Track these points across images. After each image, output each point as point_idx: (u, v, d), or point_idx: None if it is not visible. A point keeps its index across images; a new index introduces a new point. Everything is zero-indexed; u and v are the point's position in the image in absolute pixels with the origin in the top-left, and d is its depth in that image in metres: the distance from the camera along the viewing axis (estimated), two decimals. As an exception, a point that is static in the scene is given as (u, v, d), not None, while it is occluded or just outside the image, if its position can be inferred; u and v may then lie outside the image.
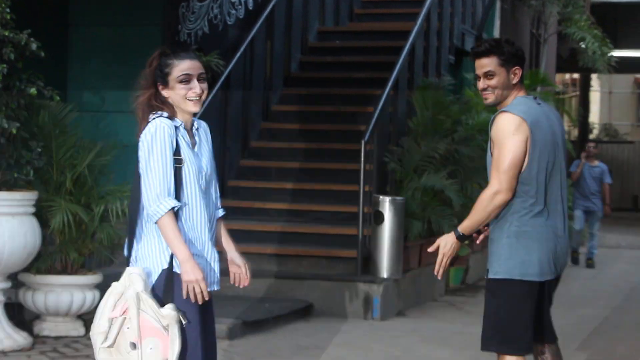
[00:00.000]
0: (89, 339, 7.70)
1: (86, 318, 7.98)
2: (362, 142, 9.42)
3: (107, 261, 8.11)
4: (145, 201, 3.99)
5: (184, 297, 3.95)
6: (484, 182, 11.06)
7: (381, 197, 9.43)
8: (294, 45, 12.59)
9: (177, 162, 4.02)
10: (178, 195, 4.01)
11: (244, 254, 4.43)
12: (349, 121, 11.35)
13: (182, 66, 4.11)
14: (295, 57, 12.66)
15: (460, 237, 4.77)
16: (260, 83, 11.61)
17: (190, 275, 3.94)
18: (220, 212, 4.30)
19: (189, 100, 4.10)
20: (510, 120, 4.53)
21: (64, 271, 7.77)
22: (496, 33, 16.07)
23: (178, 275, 3.98)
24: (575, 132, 34.04)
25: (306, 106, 11.86)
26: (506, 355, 4.61)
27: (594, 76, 34.82)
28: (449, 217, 10.22)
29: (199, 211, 4.09)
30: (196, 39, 10.49)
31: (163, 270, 4.02)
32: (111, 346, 3.96)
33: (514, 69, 4.63)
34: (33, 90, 7.29)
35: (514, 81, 4.64)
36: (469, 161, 10.94)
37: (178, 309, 3.92)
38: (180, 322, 3.91)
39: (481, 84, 4.66)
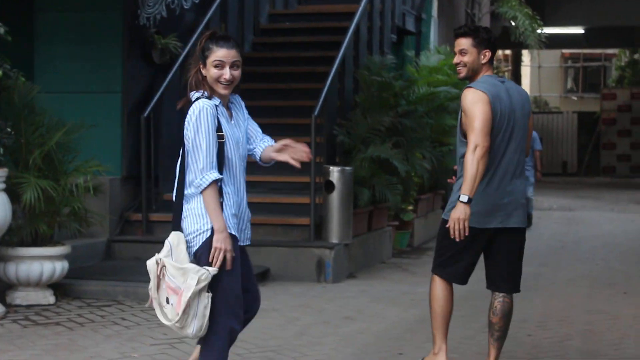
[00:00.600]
0: (59, 306, 7.65)
1: (56, 287, 7.91)
2: (313, 116, 9.38)
3: (75, 233, 8.02)
4: (192, 174, 4.29)
5: (209, 260, 4.24)
6: (425, 152, 11.26)
7: (331, 167, 9.43)
8: (246, 28, 12.50)
9: (220, 137, 4.33)
10: (222, 166, 4.33)
11: None
12: (299, 97, 11.27)
13: (219, 53, 4.38)
14: (248, 39, 12.57)
15: (468, 201, 4.99)
16: None
17: (221, 243, 4.25)
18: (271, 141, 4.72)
19: (220, 83, 4.37)
20: (475, 93, 5.11)
21: (34, 243, 7.68)
22: (434, 13, 16.07)
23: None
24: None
25: (259, 84, 11.78)
26: (435, 275, 5.38)
27: (524, 52, 35.03)
28: (394, 186, 10.22)
29: (240, 176, 4.46)
30: (155, 22, 10.36)
31: (211, 231, 4.28)
32: (155, 299, 4.36)
33: (484, 50, 5.23)
34: (0, 73, 7.16)
35: (483, 61, 5.24)
36: (412, 132, 10.97)
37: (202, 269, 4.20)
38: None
39: (456, 59, 5.28)
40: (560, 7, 26.33)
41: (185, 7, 11.05)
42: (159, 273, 4.32)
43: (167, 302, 4.33)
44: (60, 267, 7.71)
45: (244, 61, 12.84)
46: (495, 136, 5.11)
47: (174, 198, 4.42)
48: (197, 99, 4.35)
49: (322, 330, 6.96)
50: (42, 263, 7.60)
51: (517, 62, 34.02)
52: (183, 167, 4.36)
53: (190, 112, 4.32)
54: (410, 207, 11.75)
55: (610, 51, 38.98)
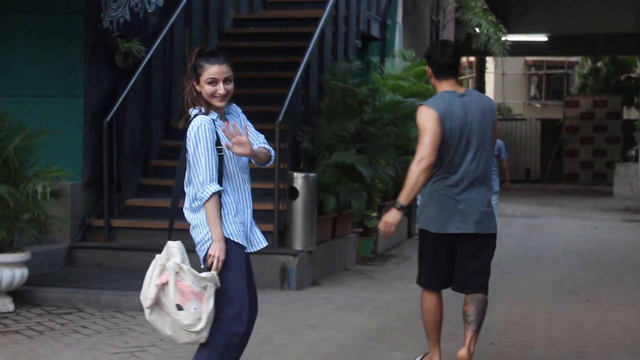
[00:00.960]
0: (18, 314, 7.54)
1: (15, 294, 7.79)
2: (277, 122, 9.34)
3: (34, 240, 7.91)
4: (195, 188, 4.57)
5: (208, 265, 4.52)
6: (389, 159, 11.24)
7: (295, 173, 9.39)
8: (211, 32, 12.41)
9: (219, 150, 4.56)
10: (222, 178, 4.58)
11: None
12: (263, 103, 11.18)
13: (211, 70, 4.61)
14: (212, 43, 12.45)
15: (401, 208, 5.45)
16: (180, 67, 11.36)
17: (215, 252, 4.53)
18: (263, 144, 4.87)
19: (215, 97, 4.61)
20: (426, 110, 5.51)
21: (-7, 250, 7.56)
22: (399, 19, 16.08)
23: (230, 242, 4.58)
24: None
25: None
26: (423, 288, 5.72)
27: (488, 59, 35.20)
28: (358, 192, 10.20)
29: (243, 185, 4.76)
30: (118, 26, 10.27)
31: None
32: (152, 306, 4.45)
33: (427, 68, 5.72)
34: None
35: (431, 80, 5.71)
36: (376, 139, 10.94)
37: (215, 274, 4.48)
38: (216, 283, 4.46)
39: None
40: (524, 15, 26.50)
41: (149, 10, 10.97)
42: (173, 279, 4.43)
43: (179, 308, 4.44)
44: (19, 274, 7.61)
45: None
46: (448, 149, 5.48)
47: (171, 207, 4.70)
48: (196, 115, 4.59)
49: (285, 338, 6.91)
50: (1, 270, 7.49)
51: (481, 69, 34.19)
52: (181, 181, 4.64)
53: (189, 129, 4.57)
54: (375, 214, 11.73)
55: (573, 59, 39.26)
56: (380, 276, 10.24)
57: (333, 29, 11.85)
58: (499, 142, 13.97)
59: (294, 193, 9.30)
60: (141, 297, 4.49)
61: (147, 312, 4.51)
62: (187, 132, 4.57)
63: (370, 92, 11.33)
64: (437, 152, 5.43)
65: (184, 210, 4.67)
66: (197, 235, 4.62)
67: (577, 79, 38.39)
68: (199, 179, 4.54)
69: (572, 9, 26.24)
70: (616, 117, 31.69)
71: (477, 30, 18.12)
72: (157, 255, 4.50)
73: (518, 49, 29.44)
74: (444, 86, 5.64)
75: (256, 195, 9.91)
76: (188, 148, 4.55)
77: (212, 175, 4.55)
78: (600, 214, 19.47)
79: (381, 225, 5.47)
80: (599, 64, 35.65)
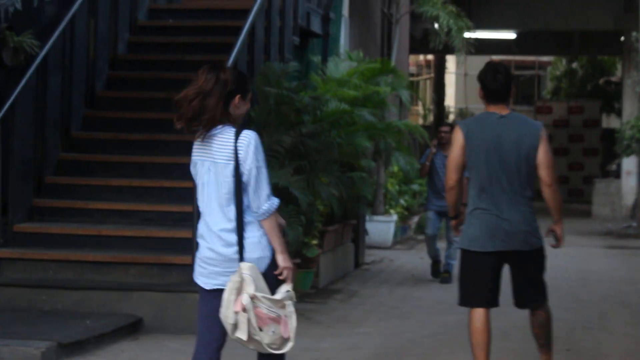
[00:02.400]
0: None
1: None
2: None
3: None
4: (256, 200, 5.27)
5: (282, 278, 5.31)
6: (332, 177, 10.97)
7: None
8: (121, 24, 12.14)
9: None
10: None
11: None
12: None
13: (249, 86, 5.49)
14: (123, 37, 12.21)
15: (454, 217, 7.02)
16: (83, 66, 11.14)
17: (288, 263, 5.34)
18: None
19: (240, 116, 5.45)
20: (454, 131, 6.79)
21: None
22: (345, 12, 15.83)
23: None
24: (430, 118, 34.29)
25: (135, 92, 11.50)
26: (470, 309, 6.74)
27: (449, 58, 35.16)
28: (294, 217, 9.98)
29: None
30: (7, 16, 9.82)
31: (271, 257, 5.31)
32: (243, 333, 5.18)
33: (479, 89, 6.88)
34: None
35: (482, 99, 6.85)
36: (317, 154, 10.82)
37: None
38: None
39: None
40: (490, 8, 26.44)
41: (45, -2, 10.54)
42: (252, 307, 5.15)
43: (260, 329, 5.18)
44: None
45: (118, 64, 12.38)
46: (479, 168, 6.65)
47: (219, 228, 5.31)
48: (246, 130, 5.33)
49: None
50: None
51: (440, 69, 34.14)
52: (224, 196, 5.32)
53: (245, 140, 5.27)
54: (315, 242, 11.69)
55: (545, 59, 39.48)
56: (321, 318, 10.05)
57: (266, 22, 11.65)
58: None
59: None
60: (222, 317, 5.23)
61: (230, 332, 5.22)
62: (245, 144, 5.26)
63: (312, 100, 11.08)
64: (460, 171, 6.72)
65: (218, 232, 5.29)
66: (252, 253, 5.26)
67: (549, 82, 38.57)
68: (265, 192, 5.30)
69: (544, 3, 26.28)
70: (594, 126, 31.84)
71: (436, 24, 17.85)
72: (232, 278, 5.18)
73: (483, 47, 29.42)
74: (492, 109, 6.78)
75: (170, 219, 9.83)
76: (244, 163, 5.26)
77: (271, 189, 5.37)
78: (578, 238, 19.41)
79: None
80: (574, 65, 35.83)
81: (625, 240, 19.42)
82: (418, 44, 25.30)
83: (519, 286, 6.78)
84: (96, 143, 10.88)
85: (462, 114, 37.94)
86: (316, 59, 13.77)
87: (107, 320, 8.51)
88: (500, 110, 6.72)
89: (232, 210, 5.24)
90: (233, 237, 5.22)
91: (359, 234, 14.35)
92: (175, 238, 9.51)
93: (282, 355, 5.33)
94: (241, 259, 5.20)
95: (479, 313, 6.67)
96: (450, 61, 37.29)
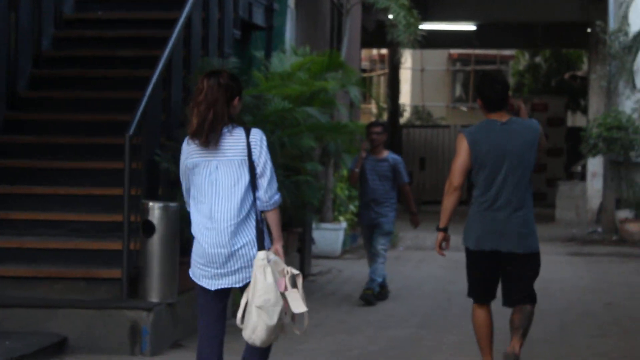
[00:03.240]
0: None
1: None
2: (127, 136, 9.17)
3: None
4: (269, 191, 6.16)
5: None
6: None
7: (151, 203, 9.23)
8: (45, 18, 12.03)
9: None
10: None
11: None
12: (113, 110, 10.96)
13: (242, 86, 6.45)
14: (48, 32, 12.12)
15: (438, 229, 7.79)
16: (3, 64, 11.04)
17: (280, 248, 6.29)
18: None
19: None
20: (458, 138, 7.75)
21: None
22: (291, 3, 15.84)
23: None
24: (385, 116, 34.37)
25: (61, 91, 11.46)
26: (473, 303, 7.84)
27: (405, 52, 35.23)
28: None
29: None
30: None
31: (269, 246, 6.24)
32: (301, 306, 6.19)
33: (478, 100, 7.82)
34: None
35: (481, 109, 7.82)
36: None
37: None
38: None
39: None
40: (446, 1, 26.46)
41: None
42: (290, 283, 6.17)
43: (286, 313, 6.20)
44: None
45: (43, 61, 12.33)
46: (482, 173, 7.61)
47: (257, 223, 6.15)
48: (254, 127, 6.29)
49: None
50: None
51: (394, 64, 34.11)
52: (237, 192, 6.13)
53: (257, 137, 6.17)
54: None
55: (506, 52, 39.70)
56: None
57: (203, 14, 11.65)
58: (396, 158, 12.33)
59: (149, 228, 9.13)
60: (260, 304, 6.07)
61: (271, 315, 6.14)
62: (256, 140, 6.14)
63: (253, 99, 11.03)
64: (464, 176, 7.63)
65: (227, 227, 6.11)
66: (250, 251, 6.15)
67: (511, 78, 38.77)
68: (276, 184, 6.21)
69: (506, -8, 26.39)
70: (559, 124, 32.07)
71: (391, 16, 17.87)
72: (256, 262, 6.06)
73: (439, 39, 29.60)
74: (492, 117, 7.70)
75: (98, 230, 9.80)
76: (258, 157, 6.13)
77: None
78: (540, 245, 19.41)
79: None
80: (537, 59, 36.06)
81: (590, 247, 19.59)
82: (371, 37, 25.34)
83: (511, 286, 7.74)
84: (19, 148, 10.81)
85: (418, 112, 38.07)
86: (259, 54, 13.76)
87: (30, 340, 8.43)
88: (501, 117, 7.68)
89: (243, 205, 6.10)
90: (243, 231, 6.11)
91: (304, 243, 14.33)
92: (104, 250, 9.51)
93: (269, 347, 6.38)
94: (260, 247, 6.09)
95: (479, 308, 7.79)
96: (407, 55, 37.39)
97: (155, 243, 9.10)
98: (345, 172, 17.73)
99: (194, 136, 6.19)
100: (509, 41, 32.54)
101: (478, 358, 8.96)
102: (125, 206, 9.11)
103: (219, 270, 6.15)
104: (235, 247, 6.08)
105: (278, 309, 6.08)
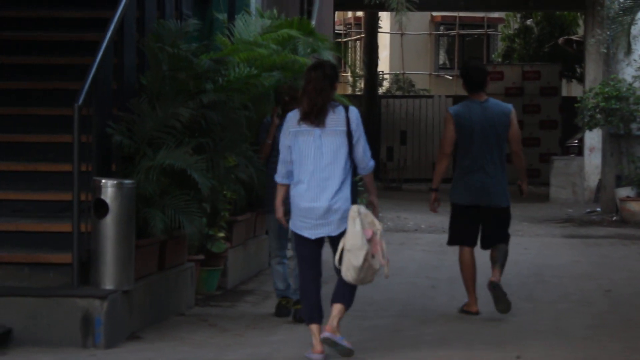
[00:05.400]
0: None
1: None
2: (75, 106, 9.15)
3: None
4: (365, 159, 8.61)
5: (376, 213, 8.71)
6: (240, 157, 10.95)
7: (103, 180, 9.26)
8: None
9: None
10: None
11: None
12: (57, 77, 10.99)
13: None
14: None
15: (431, 190, 10.73)
16: None
17: (375, 199, 8.85)
18: None
19: None
20: (447, 113, 10.65)
21: None
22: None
23: None
24: (361, 85, 34.41)
25: (1, 57, 11.38)
26: (458, 247, 10.66)
27: (382, 14, 35.28)
28: (193, 205, 10.07)
29: None
30: None
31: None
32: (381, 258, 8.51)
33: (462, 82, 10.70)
34: None
35: (464, 89, 10.67)
36: (222, 130, 10.84)
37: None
38: None
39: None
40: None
41: None
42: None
43: (373, 257, 8.44)
44: None
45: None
46: (468, 142, 10.40)
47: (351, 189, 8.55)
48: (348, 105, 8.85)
49: None
50: None
51: (372, 28, 34.15)
52: (338, 157, 8.51)
53: (353, 114, 8.57)
54: (221, 234, 11.74)
55: (495, 15, 39.79)
56: (229, 325, 10.11)
57: None
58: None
59: (102, 208, 9.15)
60: (348, 247, 8.37)
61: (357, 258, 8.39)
62: (356, 116, 8.56)
63: (214, 63, 11.05)
64: (452, 145, 10.47)
65: (327, 186, 8.44)
66: (343, 205, 8.47)
67: (500, 43, 38.89)
68: (369, 152, 8.60)
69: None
70: (553, 94, 32.22)
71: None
72: (350, 214, 8.38)
73: (424, 2, 29.50)
74: (474, 97, 10.53)
75: (45, 210, 9.84)
76: (356, 130, 8.51)
77: None
78: (533, 226, 19.66)
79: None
80: (529, 23, 36.14)
81: (587, 228, 19.69)
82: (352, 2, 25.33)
83: (488, 233, 10.60)
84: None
85: (398, 80, 38.12)
86: (221, 16, 13.72)
87: (-32, 331, 8.46)
88: (480, 97, 10.52)
89: (344, 168, 8.45)
90: (342, 189, 8.43)
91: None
92: (52, 233, 9.55)
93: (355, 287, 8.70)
94: (354, 202, 8.46)
95: (466, 250, 10.52)
96: (384, 19, 37.40)
97: (108, 224, 9.13)
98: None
99: (306, 117, 8.43)
100: (498, 3, 32.57)
101: (462, 350, 9.15)
102: (74, 184, 9.10)
103: (318, 221, 8.43)
104: (333, 202, 8.40)
105: (363, 252, 8.27)
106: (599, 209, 21.90)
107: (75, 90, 9.40)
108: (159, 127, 10.11)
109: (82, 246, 9.15)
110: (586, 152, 24.77)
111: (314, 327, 8.55)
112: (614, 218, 20.68)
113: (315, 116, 8.40)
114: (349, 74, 34.28)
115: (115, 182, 9.23)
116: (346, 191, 8.44)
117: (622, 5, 20.21)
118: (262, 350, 8.95)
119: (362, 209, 8.38)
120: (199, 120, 10.64)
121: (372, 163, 8.64)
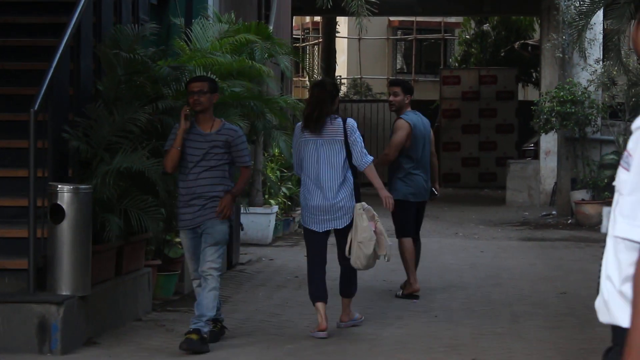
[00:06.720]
0: None
1: None
2: (31, 111, 9.13)
3: None
4: (362, 157, 9.89)
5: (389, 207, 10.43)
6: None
7: (60, 185, 9.24)
8: None
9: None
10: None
11: None
12: (13, 82, 10.97)
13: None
14: None
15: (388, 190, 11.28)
16: None
17: (387, 192, 10.31)
18: None
19: None
20: (402, 122, 11.78)
21: None
22: (214, -36, 15.70)
23: None
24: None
25: None
26: (401, 239, 11.94)
27: (340, 19, 35.31)
28: (153, 208, 10.09)
29: None
30: None
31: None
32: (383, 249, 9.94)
33: (409, 96, 11.97)
34: None
35: (406, 101, 11.91)
36: None
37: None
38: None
39: (391, 98, 11.97)
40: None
41: None
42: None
43: (378, 245, 9.86)
44: None
45: None
46: (417, 148, 11.82)
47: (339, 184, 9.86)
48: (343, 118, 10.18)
49: None
50: None
51: (330, 32, 34.19)
52: (338, 162, 9.87)
53: (350, 124, 9.95)
54: (178, 239, 11.56)
55: (452, 20, 39.89)
56: (184, 329, 9.83)
57: None
58: (233, 129, 9.70)
59: (58, 213, 9.13)
60: (358, 239, 9.71)
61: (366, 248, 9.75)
62: (352, 125, 9.92)
63: (172, 70, 11.01)
64: (398, 152, 11.75)
65: (331, 186, 9.83)
66: (347, 202, 9.85)
67: (457, 47, 38.99)
68: (365, 151, 9.91)
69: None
70: (509, 98, 32.29)
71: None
72: (356, 211, 9.75)
73: (380, 7, 29.51)
74: (409, 108, 11.99)
75: (3, 216, 9.72)
76: (351, 136, 9.84)
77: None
78: (490, 230, 19.72)
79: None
80: (485, 27, 36.25)
81: (543, 231, 19.75)
82: (303, 3, 25.32)
83: (418, 222, 12.22)
84: None
85: (355, 85, 38.15)
86: (178, 21, 13.67)
87: None
88: (413, 110, 12.17)
89: (342, 170, 9.79)
90: (342, 189, 9.79)
91: (232, 229, 14.27)
92: (7, 238, 9.52)
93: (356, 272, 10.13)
94: (357, 200, 9.84)
95: (408, 240, 11.84)
96: (342, 24, 37.45)
97: (65, 229, 9.11)
98: (276, 152, 17.73)
99: (306, 127, 9.83)
100: (455, 8, 32.62)
101: (421, 354, 9.14)
102: (30, 189, 9.09)
103: (325, 217, 9.79)
104: (337, 200, 9.75)
105: (372, 242, 9.65)
106: (554, 212, 21.99)
107: (31, 96, 9.36)
108: (115, 131, 10.09)
109: (38, 252, 9.13)
110: (542, 155, 24.85)
111: (319, 305, 9.70)
112: (569, 221, 20.76)
113: (313, 126, 9.77)
114: (306, 79, 34.22)
115: (71, 187, 9.21)
116: (347, 190, 9.79)
117: (577, 9, 20.28)
118: (218, 356, 8.97)
119: (365, 205, 9.78)
120: (156, 125, 10.61)
121: (367, 158, 9.86)
